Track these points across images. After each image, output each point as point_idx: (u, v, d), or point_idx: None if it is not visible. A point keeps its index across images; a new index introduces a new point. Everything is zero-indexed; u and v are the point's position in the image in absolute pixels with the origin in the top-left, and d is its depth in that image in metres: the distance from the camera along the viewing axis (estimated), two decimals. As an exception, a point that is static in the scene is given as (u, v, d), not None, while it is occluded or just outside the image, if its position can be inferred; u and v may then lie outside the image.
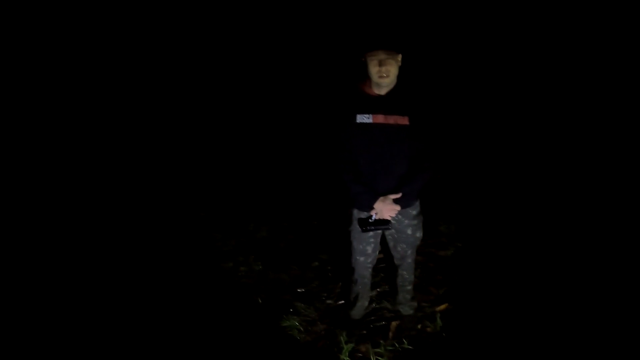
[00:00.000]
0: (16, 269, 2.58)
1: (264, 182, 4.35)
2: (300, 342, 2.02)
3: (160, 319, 2.16)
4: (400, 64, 1.55)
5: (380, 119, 1.55)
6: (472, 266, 2.48)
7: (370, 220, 1.62)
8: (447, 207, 3.29)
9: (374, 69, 1.50)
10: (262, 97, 6.33)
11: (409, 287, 1.99)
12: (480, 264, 2.49)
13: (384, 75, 1.49)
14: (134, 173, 4.23)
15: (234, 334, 2.06)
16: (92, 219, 3.31)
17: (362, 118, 1.56)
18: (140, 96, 5.25)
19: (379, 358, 1.84)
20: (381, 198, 1.60)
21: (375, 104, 1.57)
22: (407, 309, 2.05)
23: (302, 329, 2.09)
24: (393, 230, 1.78)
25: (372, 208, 1.62)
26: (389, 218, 1.62)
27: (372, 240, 1.80)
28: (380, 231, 1.78)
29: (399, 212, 1.66)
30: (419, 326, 2.02)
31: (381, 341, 1.93)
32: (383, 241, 1.90)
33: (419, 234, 1.81)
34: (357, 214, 1.74)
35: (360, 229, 1.66)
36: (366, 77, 1.58)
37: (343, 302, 2.30)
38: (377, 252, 1.90)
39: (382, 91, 1.57)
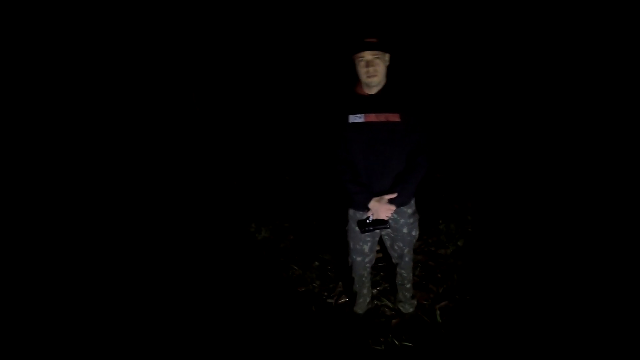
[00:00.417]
0: (28, 265, 2.61)
1: (264, 183, 4.37)
2: (300, 341, 2.04)
3: (158, 322, 2.18)
4: (388, 63, 1.59)
5: (372, 117, 1.59)
6: (471, 264, 2.50)
7: (368, 221, 1.65)
8: (446, 206, 3.31)
9: (362, 70, 1.55)
10: (262, 99, 6.36)
11: (408, 286, 2.01)
12: (480, 262, 2.51)
13: (372, 75, 1.54)
14: (136, 175, 4.25)
15: (235, 334, 2.07)
16: (96, 219, 3.33)
17: (355, 118, 1.60)
18: (144, 99, 5.27)
19: (380, 355, 1.86)
20: (376, 198, 1.63)
21: (367, 104, 1.61)
22: (407, 307, 2.07)
23: (302, 328, 2.11)
24: (389, 230, 1.80)
25: (367, 208, 1.65)
26: (386, 218, 1.65)
27: (369, 239, 1.83)
28: (378, 231, 1.80)
29: (395, 211, 1.69)
30: (419, 324, 2.03)
31: (382, 339, 1.95)
32: (382, 240, 1.92)
33: (415, 233, 1.83)
34: (354, 214, 1.77)
35: (359, 230, 1.69)
36: (357, 78, 1.62)
37: (344, 300, 2.32)
38: (375, 252, 1.92)
39: (373, 90, 1.61)
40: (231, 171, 4.80)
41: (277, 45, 6.42)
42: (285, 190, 4.13)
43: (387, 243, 1.89)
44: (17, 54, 4.17)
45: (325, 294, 2.42)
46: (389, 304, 2.19)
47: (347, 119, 1.61)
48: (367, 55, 1.53)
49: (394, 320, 2.08)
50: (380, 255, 2.56)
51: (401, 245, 1.84)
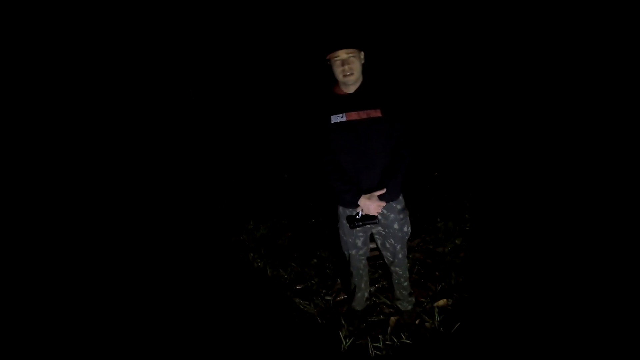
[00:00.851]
0: (23, 265, 2.59)
1: (262, 181, 4.36)
2: (299, 338, 2.04)
3: (156, 319, 2.18)
4: (363, 61, 1.61)
5: (354, 115, 1.61)
6: (469, 262, 2.51)
7: (357, 217, 1.68)
8: (444, 204, 3.32)
9: (337, 69, 1.57)
10: (261, 97, 6.35)
11: (405, 283, 2.02)
12: (478, 260, 2.52)
13: (348, 73, 1.56)
14: (133, 171, 4.23)
15: (234, 331, 2.07)
16: (92, 216, 3.32)
17: (337, 118, 1.62)
18: (141, 95, 5.24)
19: (378, 353, 1.86)
20: (366, 195, 1.65)
21: (347, 103, 1.63)
22: (405, 305, 2.08)
23: (301, 325, 2.11)
24: (380, 228, 1.82)
25: (357, 205, 1.67)
26: (376, 214, 1.67)
27: (361, 234, 1.86)
28: (368, 226, 1.81)
29: (385, 207, 1.72)
30: (418, 321, 2.04)
31: (380, 336, 1.95)
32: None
33: (406, 229, 1.84)
34: (343, 210, 1.80)
35: (349, 226, 1.72)
36: (335, 79, 1.64)
37: (342, 298, 2.32)
38: (369, 244, 1.95)
39: (351, 89, 1.63)
40: (229, 168, 4.79)
41: (268, 45, 6.45)
42: (283, 188, 4.12)
43: (379, 242, 1.90)
44: (17, 54, 4.13)
45: (324, 290, 2.42)
46: (387, 301, 2.20)
47: (329, 120, 1.63)
48: (342, 54, 1.55)
49: (392, 318, 2.09)
50: (377, 253, 2.57)
51: (393, 242, 1.85)
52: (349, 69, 1.55)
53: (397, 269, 1.96)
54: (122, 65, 5.07)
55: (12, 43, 4.09)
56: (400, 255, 1.90)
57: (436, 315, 2.03)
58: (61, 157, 4.07)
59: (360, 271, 2.01)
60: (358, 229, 1.77)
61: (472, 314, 2.01)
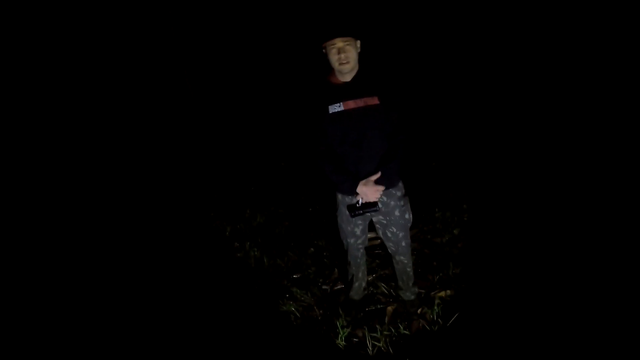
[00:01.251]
0: (19, 267, 2.57)
1: (259, 169, 4.33)
2: (297, 327, 2.04)
3: (154, 309, 2.17)
4: (359, 49, 1.60)
5: (351, 104, 1.60)
6: (467, 253, 2.51)
7: (357, 205, 1.67)
8: (442, 194, 3.30)
9: (334, 57, 1.56)
10: (258, 87, 6.30)
11: (410, 272, 2.00)
12: (476, 250, 2.51)
13: (344, 61, 1.55)
14: (129, 163, 4.18)
15: (231, 320, 2.07)
16: (89, 213, 3.28)
17: (334, 108, 1.61)
18: (139, 88, 5.17)
19: (376, 343, 1.86)
20: (363, 181, 1.64)
21: (343, 92, 1.62)
22: (408, 295, 2.07)
23: (298, 314, 2.11)
24: (381, 216, 1.80)
25: (355, 193, 1.66)
26: (376, 200, 1.65)
27: (360, 222, 1.85)
28: (368, 214, 1.79)
29: (384, 194, 1.71)
30: (420, 311, 2.04)
31: (377, 326, 1.95)
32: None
33: (408, 216, 1.82)
34: (343, 198, 1.79)
35: (349, 214, 1.70)
36: (330, 68, 1.63)
37: (339, 287, 2.32)
38: (367, 233, 1.94)
39: (347, 78, 1.62)
40: (226, 157, 4.75)
41: (263, 35, 6.37)
42: (280, 177, 4.09)
43: (380, 232, 1.87)
44: (17, 54, 4.02)
45: (321, 280, 2.41)
46: (385, 290, 2.20)
47: (326, 110, 1.62)
48: (338, 42, 1.54)
49: (389, 308, 2.08)
50: (378, 242, 2.56)
51: (394, 230, 1.82)
52: (345, 57, 1.54)
53: (402, 257, 1.93)
54: (118, 58, 4.98)
55: (12, 43, 4.00)
56: (403, 243, 1.88)
57: (436, 306, 2.02)
58: (56, 152, 4.01)
59: (358, 260, 2.00)
60: (358, 217, 1.75)
61: (470, 305, 2.01)
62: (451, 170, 3.82)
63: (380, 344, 1.85)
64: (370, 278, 2.29)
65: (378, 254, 2.54)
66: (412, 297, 2.07)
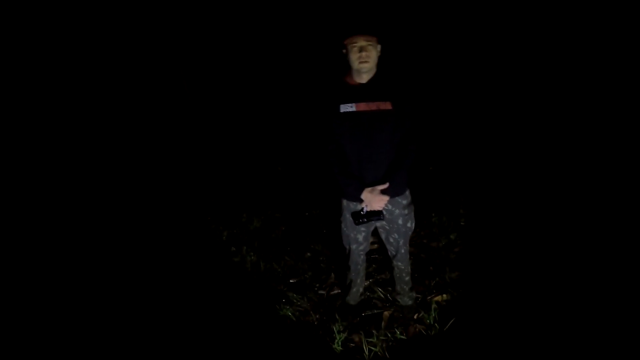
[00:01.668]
0: (19, 267, 2.55)
1: (256, 173, 4.32)
2: (293, 332, 2.03)
3: (150, 312, 2.15)
4: (379, 53, 1.60)
5: (363, 106, 1.59)
6: (463, 257, 2.51)
7: (362, 213, 1.66)
8: (438, 198, 3.31)
9: (354, 56, 1.55)
10: (255, 90, 6.30)
11: (407, 278, 2.01)
12: (472, 255, 2.52)
13: (364, 60, 1.54)
14: (126, 163, 4.17)
15: (228, 325, 2.05)
16: (91, 208, 3.26)
17: (346, 107, 1.60)
18: (136, 88, 5.16)
19: (372, 348, 1.86)
20: (369, 189, 1.63)
21: (358, 93, 1.61)
22: (406, 300, 2.06)
23: (295, 319, 2.10)
24: (384, 222, 1.80)
25: (360, 199, 1.65)
26: (380, 209, 1.65)
27: (363, 229, 1.84)
28: (373, 222, 1.79)
29: (390, 202, 1.70)
30: (416, 316, 2.03)
31: (374, 331, 1.94)
32: (378, 232, 1.91)
33: (410, 224, 1.82)
34: (347, 204, 1.78)
35: (353, 222, 1.69)
36: (348, 69, 1.62)
37: (336, 292, 2.31)
38: (369, 240, 1.93)
39: (363, 79, 1.61)
40: (223, 160, 4.74)
41: (270, 35, 6.36)
42: (277, 181, 4.09)
43: (383, 236, 1.88)
44: (17, 54, 4.01)
45: (318, 285, 2.40)
46: (382, 295, 2.19)
47: (338, 108, 1.61)
48: (361, 40, 1.53)
49: (385, 313, 2.08)
50: (376, 246, 2.56)
51: (396, 236, 1.83)
52: (365, 55, 1.53)
53: (400, 263, 1.94)
54: (115, 59, 4.97)
55: (12, 43, 3.99)
56: (402, 250, 1.89)
57: (432, 310, 2.02)
58: (54, 153, 3.99)
59: (359, 266, 1.99)
60: (362, 224, 1.74)
61: (467, 310, 2.01)
62: (448, 174, 3.83)
63: (377, 349, 1.85)
64: (367, 283, 2.29)
65: (375, 258, 2.54)
66: (410, 302, 2.07)
